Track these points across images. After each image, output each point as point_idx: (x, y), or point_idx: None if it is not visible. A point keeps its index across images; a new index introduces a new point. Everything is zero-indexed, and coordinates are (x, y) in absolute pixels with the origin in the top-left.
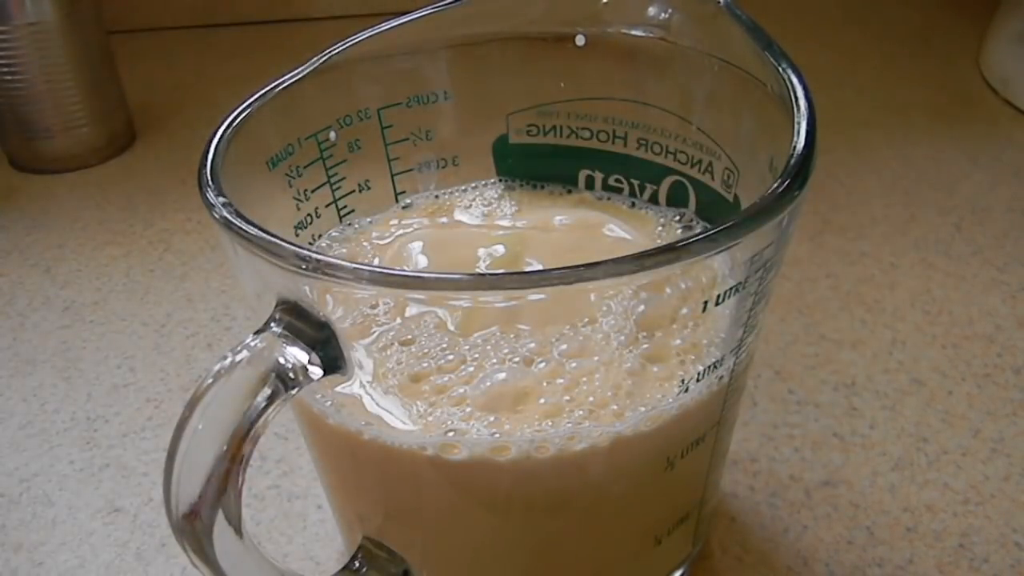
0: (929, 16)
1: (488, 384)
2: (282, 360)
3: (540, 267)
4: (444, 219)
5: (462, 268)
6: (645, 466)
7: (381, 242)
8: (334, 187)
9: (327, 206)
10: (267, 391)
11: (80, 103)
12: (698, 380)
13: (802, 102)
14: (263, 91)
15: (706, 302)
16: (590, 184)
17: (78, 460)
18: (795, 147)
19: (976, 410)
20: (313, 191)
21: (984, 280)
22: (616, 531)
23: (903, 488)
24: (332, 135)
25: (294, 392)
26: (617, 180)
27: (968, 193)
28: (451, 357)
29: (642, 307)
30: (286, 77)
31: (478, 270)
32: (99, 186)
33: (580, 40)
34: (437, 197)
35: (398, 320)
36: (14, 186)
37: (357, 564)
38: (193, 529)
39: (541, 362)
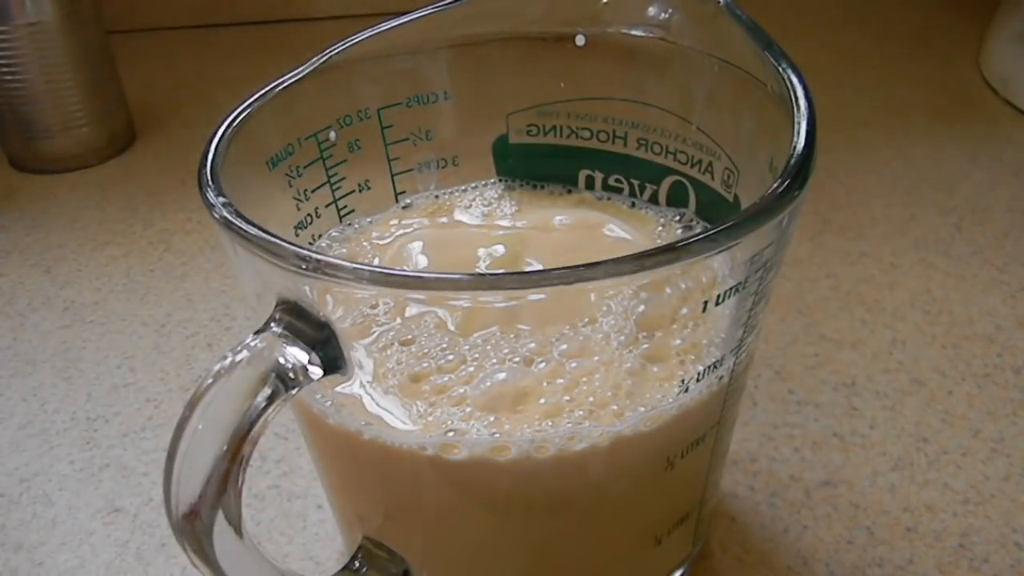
0: (929, 16)
1: (488, 384)
2: (282, 360)
3: (540, 267)
4: (444, 219)
5: (462, 268)
6: (645, 466)
7: (381, 242)
8: (334, 187)
9: (327, 206)
10: (267, 391)
11: (80, 103)
12: (698, 380)
13: (802, 102)
14: (263, 91)
15: (706, 302)
16: (590, 184)
17: (78, 460)
18: (795, 147)
19: (976, 410)
20: (313, 191)
21: (984, 280)
22: (616, 531)
23: (903, 488)
24: (332, 135)
25: (294, 392)
26: (617, 180)
27: (968, 193)
28: (451, 357)
29: (642, 307)
30: (286, 77)
31: (478, 270)
32: (99, 186)
33: (580, 40)
34: (437, 197)
35: (398, 320)
36: (14, 186)
37: (357, 564)
38: (193, 529)
39: (541, 362)
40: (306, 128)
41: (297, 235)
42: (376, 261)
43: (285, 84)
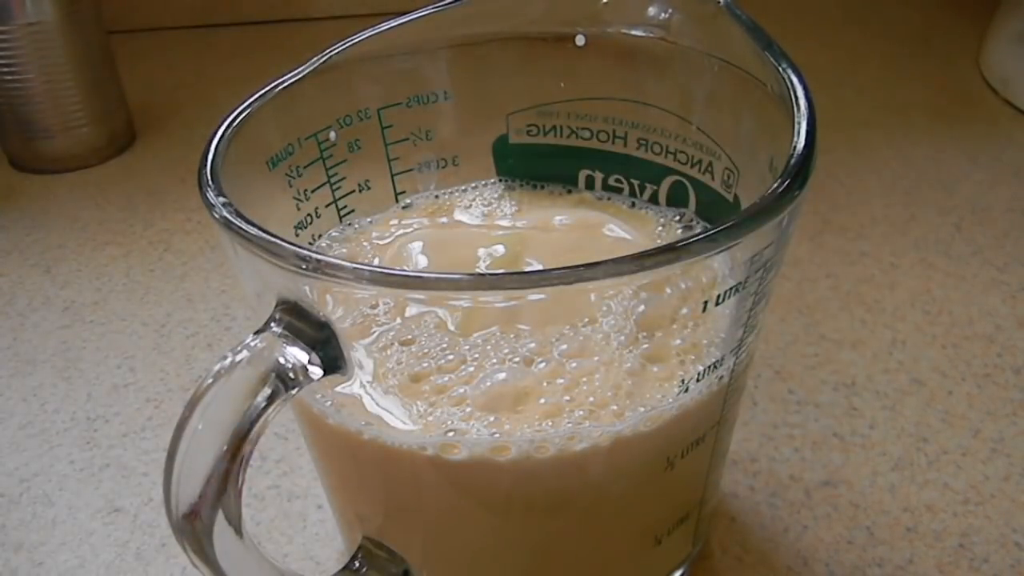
0: (929, 16)
1: (488, 384)
2: (282, 360)
3: (540, 267)
4: (444, 219)
5: (462, 268)
6: (645, 466)
7: (381, 242)
8: (334, 187)
9: (327, 206)
10: (267, 391)
11: (80, 103)
12: (698, 380)
13: (802, 102)
14: (263, 91)
15: (706, 302)
16: (590, 184)
17: (78, 460)
18: (795, 147)
19: (976, 410)
20: (313, 191)
21: (984, 280)
22: (616, 531)
23: (903, 488)
24: (332, 135)
25: (294, 392)
26: (617, 180)
27: (968, 193)
28: (451, 357)
29: (642, 307)
30: (286, 77)
31: (478, 270)
32: (99, 186)
33: (580, 40)
34: (437, 197)
35: (398, 320)
36: (14, 186)
37: (357, 564)
38: (193, 529)
39: (541, 362)
40: (306, 128)
41: (297, 235)
42: (376, 261)
43: (285, 84)
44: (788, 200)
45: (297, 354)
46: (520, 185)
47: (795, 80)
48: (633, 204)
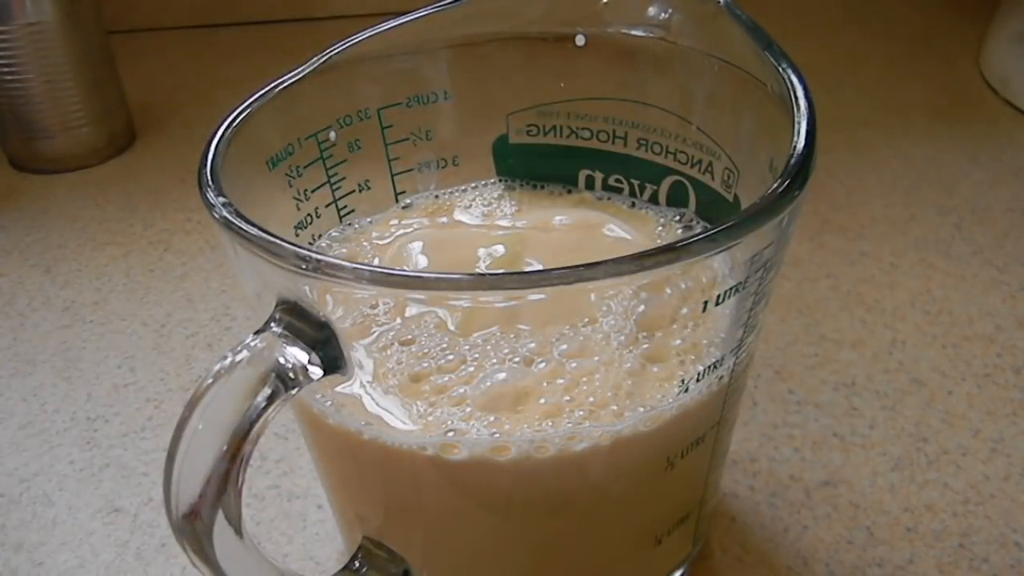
0: (929, 16)
1: (488, 384)
2: (282, 360)
3: (540, 267)
4: (444, 219)
5: (462, 268)
6: (645, 466)
7: (381, 242)
8: (334, 187)
9: (327, 206)
10: (267, 391)
11: (80, 103)
12: (698, 380)
13: (802, 102)
14: (263, 91)
15: (706, 302)
16: (590, 184)
17: (78, 460)
18: (795, 147)
19: (976, 410)
20: (313, 191)
21: (984, 280)
22: (616, 531)
23: (903, 488)
24: (332, 135)
25: (294, 392)
26: (617, 180)
27: (968, 193)
28: (451, 357)
29: (642, 307)
30: (286, 77)
31: (478, 270)
32: (99, 186)
33: (580, 40)
34: (437, 197)
35: (398, 320)
36: (14, 186)
37: (357, 564)
38: (193, 529)
39: (541, 362)
40: (306, 128)
41: (297, 235)
42: (376, 261)
43: (285, 84)
44: (788, 200)
45: (297, 354)
46: (520, 185)
47: (795, 80)
48: (633, 204)
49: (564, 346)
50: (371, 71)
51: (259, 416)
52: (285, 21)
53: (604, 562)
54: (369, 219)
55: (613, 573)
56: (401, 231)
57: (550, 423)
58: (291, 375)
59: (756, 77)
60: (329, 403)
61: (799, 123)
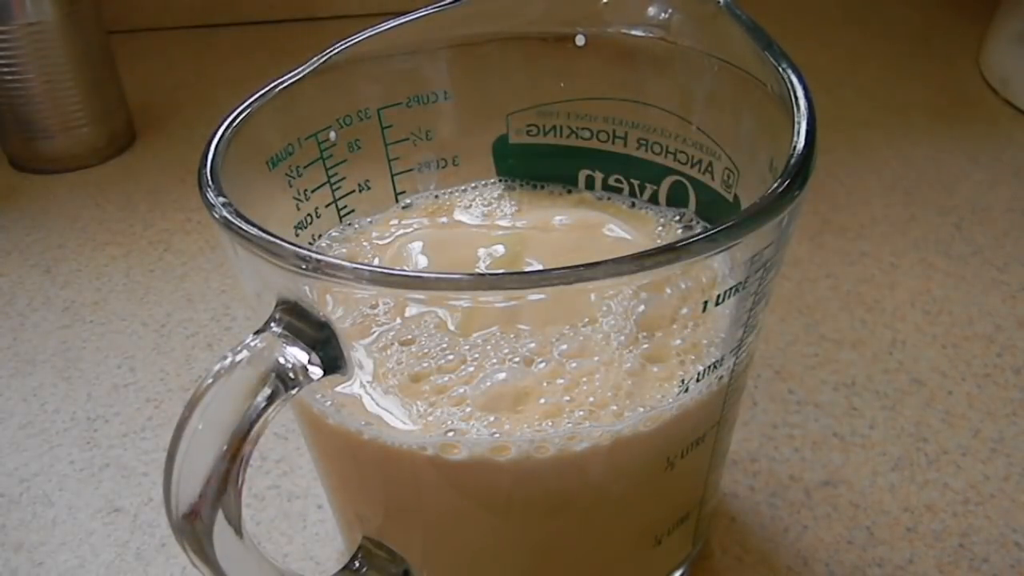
0: (929, 16)
1: (488, 384)
2: (282, 360)
3: (540, 267)
4: (444, 219)
5: (462, 268)
6: (645, 466)
7: (381, 242)
8: (334, 187)
9: (327, 206)
10: (267, 391)
11: (80, 103)
12: (698, 380)
13: (802, 102)
14: (263, 91)
15: (706, 302)
16: (590, 184)
17: (78, 460)
18: (795, 147)
19: (976, 410)
20: (313, 191)
21: (984, 280)
22: (616, 531)
23: (903, 488)
24: (332, 135)
25: (294, 392)
26: (617, 180)
27: (968, 193)
28: (451, 357)
29: (642, 307)
30: (286, 77)
31: (478, 270)
32: (99, 186)
33: (580, 40)
34: (437, 197)
35: (398, 320)
36: (14, 186)
37: (357, 564)
38: (193, 529)
39: (541, 362)
40: (306, 128)
41: (297, 235)
42: (376, 261)
43: (285, 84)
44: (788, 200)
45: (297, 354)
46: (520, 185)
47: (795, 80)
48: (633, 204)
49: (564, 346)
50: (371, 71)
51: (259, 416)
52: (285, 21)
53: (604, 562)
54: (369, 219)
55: (613, 573)
56: (401, 231)
57: (550, 423)
58: (291, 375)
59: (756, 77)
60: (329, 403)
61: (799, 123)
